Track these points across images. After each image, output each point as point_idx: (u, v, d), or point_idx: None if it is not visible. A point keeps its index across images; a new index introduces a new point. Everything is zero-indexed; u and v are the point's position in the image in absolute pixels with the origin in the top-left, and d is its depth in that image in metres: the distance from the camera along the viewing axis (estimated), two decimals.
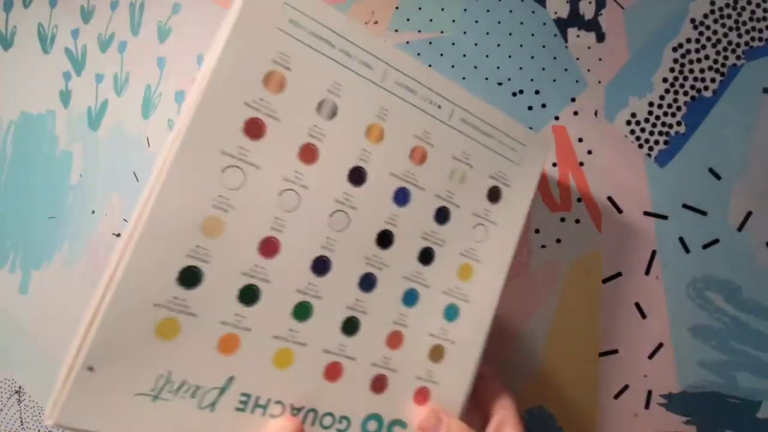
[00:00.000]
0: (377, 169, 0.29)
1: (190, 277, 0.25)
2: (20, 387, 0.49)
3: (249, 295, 0.27)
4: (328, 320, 0.29)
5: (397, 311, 0.30)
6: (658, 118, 0.39)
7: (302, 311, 0.28)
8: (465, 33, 0.40)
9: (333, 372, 0.29)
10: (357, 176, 0.29)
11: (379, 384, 0.30)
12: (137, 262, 0.24)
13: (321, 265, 0.28)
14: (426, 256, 0.31)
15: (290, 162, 0.27)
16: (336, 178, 0.28)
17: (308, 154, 0.28)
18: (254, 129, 0.26)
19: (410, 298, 0.31)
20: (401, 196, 0.30)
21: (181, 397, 0.25)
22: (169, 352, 0.25)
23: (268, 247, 0.27)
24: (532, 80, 0.40)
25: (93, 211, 0.47)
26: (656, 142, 0.39)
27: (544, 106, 0.40)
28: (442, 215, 0.31)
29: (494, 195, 0.33)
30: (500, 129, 0.33)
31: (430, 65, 0.41)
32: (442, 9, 0.41)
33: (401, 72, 0.30)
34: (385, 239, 0.30)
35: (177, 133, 0.25)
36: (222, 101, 0.26)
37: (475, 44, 0.40)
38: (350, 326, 0.29)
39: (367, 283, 0.30)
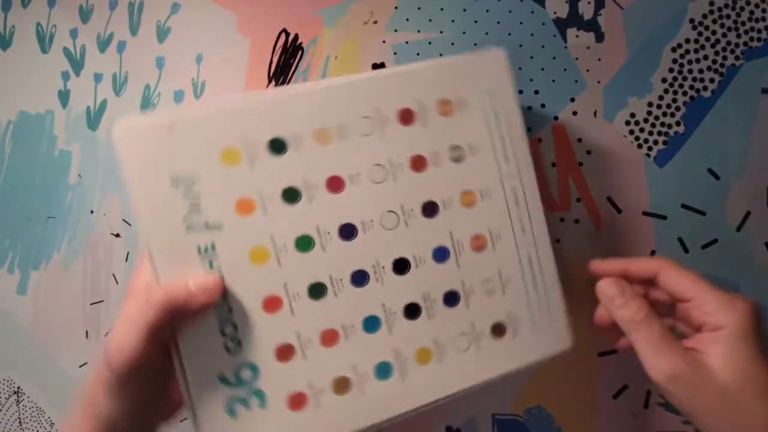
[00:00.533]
0: (444, 220, 0.32)
1: (277, 146, 0.30)
2: (19, 387, 0.49)
3: (291, 196, 0.30)
4: (308, 270, 0.30)
5: (351, 319, 0.31)
6: (657, 118, 0.39)
7: (303, 244, 0.30)
8: (464, 33, 0.41)
9: (270, 305, 0.30)
10: (429, 209, 0.32)
11: (284, 352, 0.30)
12: (261, 107, 0.30)
13: (348, 231, 0.31)
14: (411, 310, 0.32)
15: (402, 157, 0.32)
16: (416, 194, 0.32)
17: (417, 163, 0.32)
18: (406, 118, 0.32)
19: (370, 323, 0.31)
20: (440, 253, 0.32)
21: (184, 199, 0.29)
22: (212, 169, 0.29)
23: (335, 184, 0.31)
24: (531, 80, 0.40)
25: (92, 211, 0.47)
26: (655, 142, 0.39)
27: (543, 106, 0.40)
28: (450, 298, 0.33)
29: (498, 330, 0.33)
30: (548, 298, 0.34)
31: None
32: (442, 9, 0.41)
33: (522, 188, 0.33)
34: (400, 265, 0.32)
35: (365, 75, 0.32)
36: (406, 85, 0.32)
37: (475, 44, 0.40)
38: (316, 290, 0.31)
39: (358, 278, 0.31)
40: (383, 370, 0.31)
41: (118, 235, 0.46)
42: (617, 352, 0.40)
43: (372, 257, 0.31)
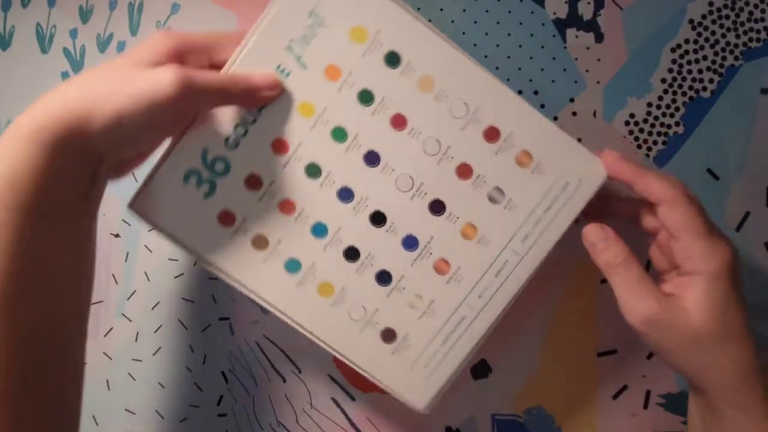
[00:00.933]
0: (437, 225, 0.34)
1: (392, 59, 0.32)
2: None
3: (365, 98, 0.33)
4: (323, 153, 0.33)
5: (311, 212, 0.34)
6: (656, 118, 0.39)
7: (338, 134, 0.33)
8: (464, 33, 0.41)
9: (277, 146, 0.33)
10: (436, 206, 0.34)
11: (252, 183, 0.33)
12: (409, 25, 0.32)
13: (372, 158, 0.33)
14: (351, 253, 0.34)
15: (458, 155, 0.33)
16: (439, 188, 0.33)
17: (462, 170, 0.33)
18: (490, 135, 0.33)
19: (318, 229, 0.34)
20: (409, 242, 0.34)
21: (304, 29, 0.32)
22: (339, 29, 0.32)
23: (398, 122, 0.33)
24: (530, 81, 0.40)
25: None
26: (655, 143, 0.39)
27: (543, 106, 0.40)
28: (383, 277, 0.34)
29: (387, 336, 0.34)
30: (444, 361, 0.34)
31: None
32: (441, 9, 0.41)
33: (513, 271, 0.34)
34: (377, 218, 0.34)
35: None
36: (515, 115, 0.33)
37: (474, 45, 0.40)
38: (312, 170, 0.33)
39: (344, 194, 0.34)
40: (293, 266, 0.34)
41: (117, 236, 0.46)
42: (617, 352, 0.40)
43: (366, 191, 0.33)
